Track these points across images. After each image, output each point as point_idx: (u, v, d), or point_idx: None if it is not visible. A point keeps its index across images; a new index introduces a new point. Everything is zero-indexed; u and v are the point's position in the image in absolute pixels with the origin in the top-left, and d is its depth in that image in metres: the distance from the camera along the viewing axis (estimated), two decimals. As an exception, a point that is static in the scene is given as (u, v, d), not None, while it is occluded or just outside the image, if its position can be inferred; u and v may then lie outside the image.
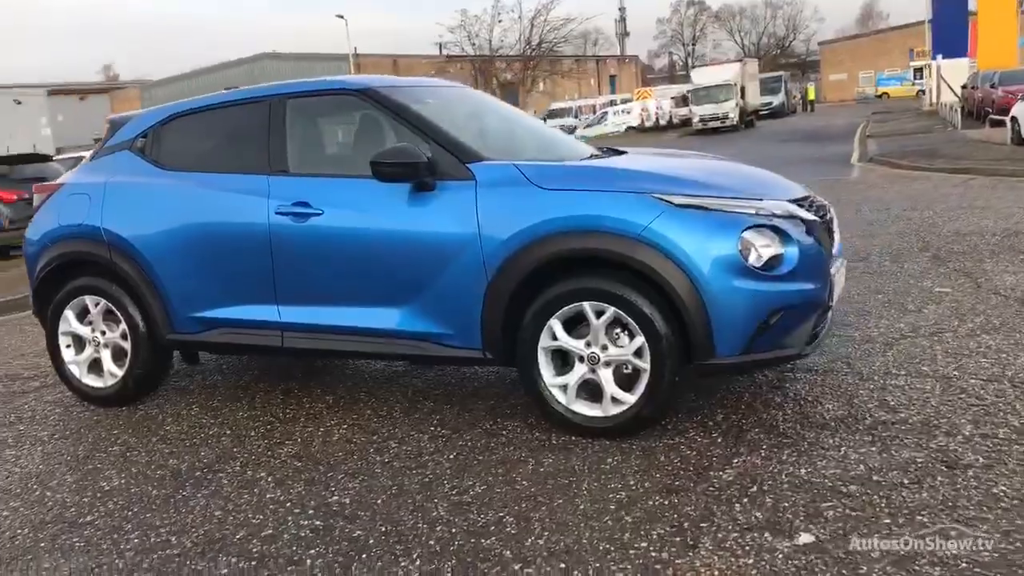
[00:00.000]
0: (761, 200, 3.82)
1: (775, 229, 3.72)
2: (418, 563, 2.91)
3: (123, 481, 3.83)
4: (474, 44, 50.88)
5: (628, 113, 47.65)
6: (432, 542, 3.04)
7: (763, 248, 3.67)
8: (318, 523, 3.26)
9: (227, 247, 4.46)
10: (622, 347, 3.78)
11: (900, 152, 17.61)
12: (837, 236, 4.37)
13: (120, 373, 4.85)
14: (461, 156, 4.05)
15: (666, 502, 3.21)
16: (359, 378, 5.12)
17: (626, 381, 3.81)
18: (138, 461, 4.06)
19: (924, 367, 4.51)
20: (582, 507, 3.22)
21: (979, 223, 8.76)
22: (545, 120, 58.75)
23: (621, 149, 5.08)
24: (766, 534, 2.93)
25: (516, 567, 2.83)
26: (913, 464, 3.38)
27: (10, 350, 6.88)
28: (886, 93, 66.11)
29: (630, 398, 3.78)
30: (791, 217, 3.82)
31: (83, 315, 4.94)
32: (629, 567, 2.79)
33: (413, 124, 4.19)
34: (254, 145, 4.51)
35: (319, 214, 4.24)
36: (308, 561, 2.98)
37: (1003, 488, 3.12)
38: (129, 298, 4.73)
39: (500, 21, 50.69)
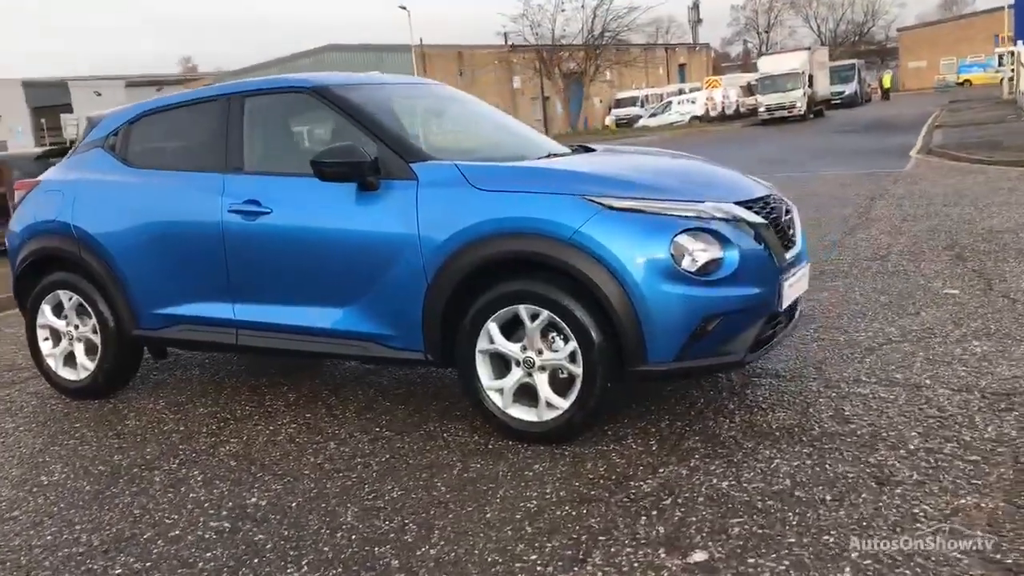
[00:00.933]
0: (702, 202, 3.71)
1: (713, 232, 3.61)
2: (304, 570, 2.91)
3: (63, 476, 3.92)
4: (536, 34, 50.68)
5: (693, 103, 46.96)
6: (327, 549, 3.04)
7: (699, 252, 3.57)
8: (226, 525, 3.28)
9: (185, 245, 4.53)
10: (557, 351, 3.72)
11: (961, 143, 17.01)
12: (799, 239, 4.23)
13: (92, 367, 4.97)
14: (405, 156, 4.03)
15: (574, 513, 3.15)
16: (329, 375, 5.15)
17: (563, 386, 3.75)
18: (85, 456, 4.15)
19: (897, 375, 4.35)
20: (489, 516, 3.18)
21: (1018, 220, 8.40)
22: (610, 110, 58.48)
23: (592, 147, 5.00)
24: (661, 551, 2.85)
25: (382, 568, 2.82)
26: (843, 479, 3.25)
27: (19, 340, 7.10)
28: (968, 80, 63.87)
29: (564, 403, 3.72)
30: (733, 220, 3.71)
31: (59, 309, 5.07)
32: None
33: (361, 123, 4.18)
34: (213, 143, 4.56)
35: (268, 212, 4.27)
36: (200, 564, 3.00)
37: (926, 507, 2.99)
38: (99, 294, 4.84)
39: (563, 10, 50.40)
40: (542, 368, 3.76)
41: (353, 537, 3.11)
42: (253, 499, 3.50)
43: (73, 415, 4.83)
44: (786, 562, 2.71)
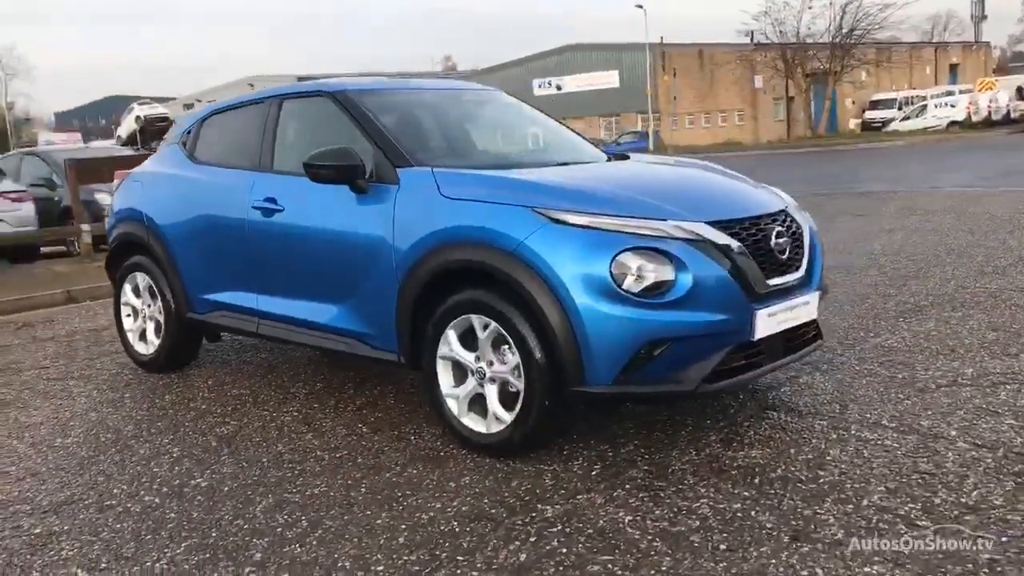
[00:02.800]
0: (663, 220, 3.52)
1: (663, 252, 3.42)
2: (179, 551, 3.08)
3: (75, 439, 4.35)
4: (780, 32, 48.73)
5: (953, 107, 43.35)
6: (215, 534, 3.19)
7: (646, 272, 3.39)
8: (156, 500, 3.54)
9: (221, 237, 4.89)
10: (505, 364, 3.68)
11: None
12: (804, 263, 3.91)
13: (157, 344, 5.47)
14: (394, 160, 4.12)
15: (458, 529, 3.12)
16: (362, 369, 5.31)
17: (511, 400, 3.71)
18: (106, 423, 4.58)
19: (924, 422, 3.92)
20: (379, 522, 3.22)
21: None
22: (863, 112, 55.13)
23: (626, 155, 4.86)
24: (502, 578, 2.77)
25: (245, 570, 2.93)
26: (756, 530, 3.00)
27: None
28: None
29: (508, 418, 3.68)
30: (697, 240, 3.49)
31: (137, 289, 5.61)
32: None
33: (364, 128, 4.32)
34: (254, 143, 4.88)
35: (281, 211, 4.52)
36: (104, 533, 3.26)
37: (817, 571, 2.70)
38: (163, 278, 5.31)
39: (810, 7, 48.04)
40: (492, 380, 3.73)
41: (245, 527, 3.25)
42: (199, 479, 3.74)
43: (133, 386, 5.33)
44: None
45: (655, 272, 3.40)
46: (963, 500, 3.13)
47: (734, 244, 3.56)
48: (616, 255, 3.39)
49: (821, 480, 3.37)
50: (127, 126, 34.91)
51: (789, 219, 3.94)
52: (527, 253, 3.51)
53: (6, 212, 11.88)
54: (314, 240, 4.37)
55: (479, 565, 2.86)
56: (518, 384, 3.61)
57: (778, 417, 4.10)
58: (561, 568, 2.81)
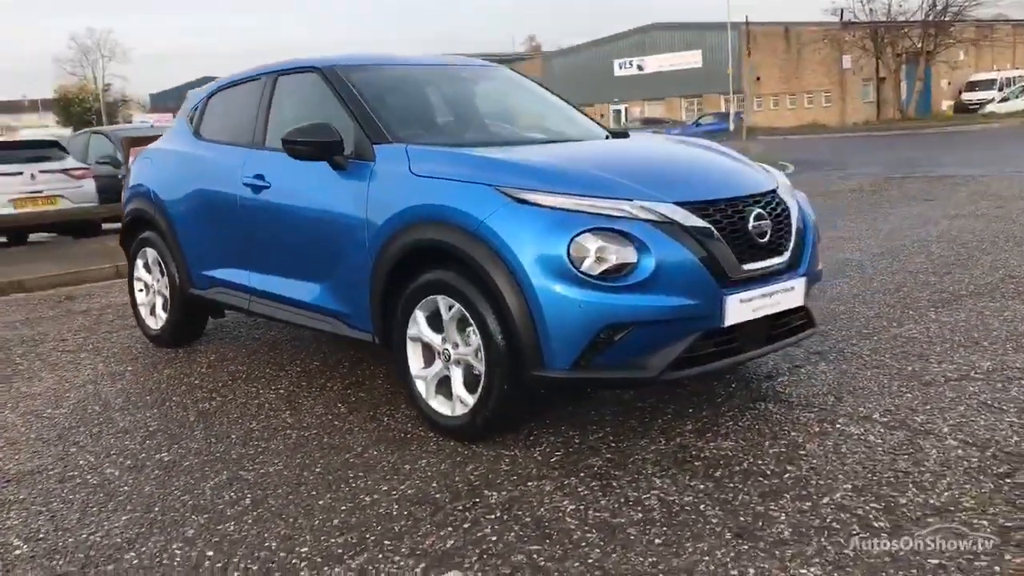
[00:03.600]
0: (629, 200, 3.39)
1: (625, 234, 3.30)
2: (116, 524, 3.11)
3: (67, 410, 4.44)
4: (870, 10, 47.04)
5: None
6: (157, 509, 3.20)
7: (606, 254, 3.27)
8: (116, 473, 3.58)
9: (217, 213, 4.93)
10: (469, 346, 3.61)
11: None
12: (790, 247, 3.73)
13: (164, 318, 5.56)
14: (372, 136, 4.07)
15: (395, 513, 3.07)
16: (361, 350, 5.29)
17: (476, 383, 3.63)
18: (100, 395, 4.67)
19: (919, 416, 3.72)
20: (320, 503, 3.19)
21: None
22: (960, 93, 52.97)
23: (625, 132, 4.73)
24: (421, 565, 2.71)
25: (172, 546, 2.93)
26: (699, 525, 2.88)
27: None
28: None
29: (471, 401, 3.61)
30: (665, 222, 3.36)
31: (148, 264, 5.70)
32: (251, 564, 2.76)
33: (345, 103, 4.27)
34: (249, 119, 4.88)
35: (268, 187, 4.52)
36: (55, 504, 3.31)
37: (751, 571, 2.58)
38: (168, 253, 5.38)
39: (902, -17, 46.25)
40: (457, 362, 3.67)
41: (189, 503, 3.26)
42: (164, 454, 3.78)
43: (139, 359, 5.43)
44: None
45: (616, 254, 3.28)
46: (931, 501, 2.95)
47: (704, 226, 3.41)
48: (575, 236, 3.28)
49: (786, 475, 3.22)
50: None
51: (776, 201, 3.76)
52: (487, 233, 3.42)
53: (68, 189, 12.28)
54: (297, 217, 4.36)
55: (403, 550, 2.81)
56: (480, 367, 3.54)
57: (764, 408, 3.94)
58: (484, 556, 2.74)
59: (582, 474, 3.32)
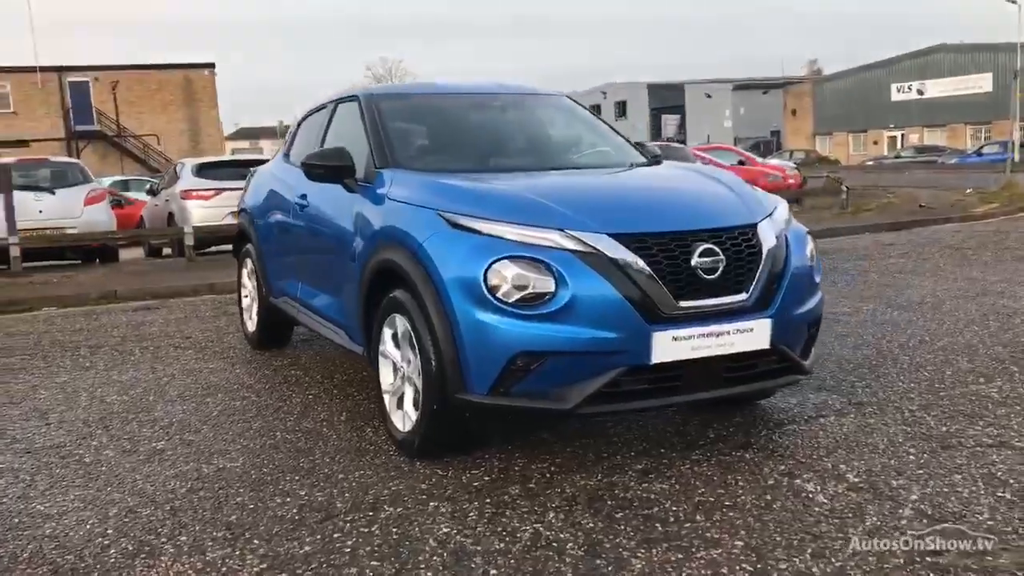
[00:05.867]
0: (558, 229, 3.38)
1: (544, 263, 3.30)
2: (71, 496, 3.52)
3: (121, 397, 5.03)
4: None
5: None
6: (114, 487, 3.60)
7: (522, 282, 3.29)
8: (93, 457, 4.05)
9: (281, 228, 5.41)
10: (412, 365, 3.74)
11: None
12: (752, 286, 3.52)
13: (255, 322, 6.13)
14: (377, 161, 4.30)
15: (287, 516, 3.24)
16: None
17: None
18: (160, 386, 5.24)
19: (897, 481, 3.41)
20: (238, 499, 3.43)
21: None
22: None
23: (658, 159, 4.68)
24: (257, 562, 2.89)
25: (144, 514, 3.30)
26: (548, 562, 2.84)
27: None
28: None
29: (415, 418, 3.73)
30: (589, 253, 3.32)
31: (249, 273, 6.28)
32: (170, 552, 3.03)
33: (367, 129, 4.53)
34: (313, 143, 5.28)
35: (307, 206, 4.90)
36: (17, 472, 3.81)
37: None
38: (257, 263, 5.92)
39: None
40: (408, 379, 3.80)
41: (150, 477, 3.70)
42: (156, 442, 4.20)
43: (226, 356, 6.01)
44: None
45: (532, 282, 3.28)
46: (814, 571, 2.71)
47: (631, 258, 3.32)
48: (492, 263, 3.32)
49: (687, 525, 3.07)
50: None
51: (741, 238, 3.56)
52: (423, 256, 3.55)
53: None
54: (320, 234, 4.73)
55: (261, 551, 2.98)
56: (420, 385, 3.65)
57: (739, 455, 3.73)
58: (322, 565, 2.86)
59: (488, 500, 3.33)
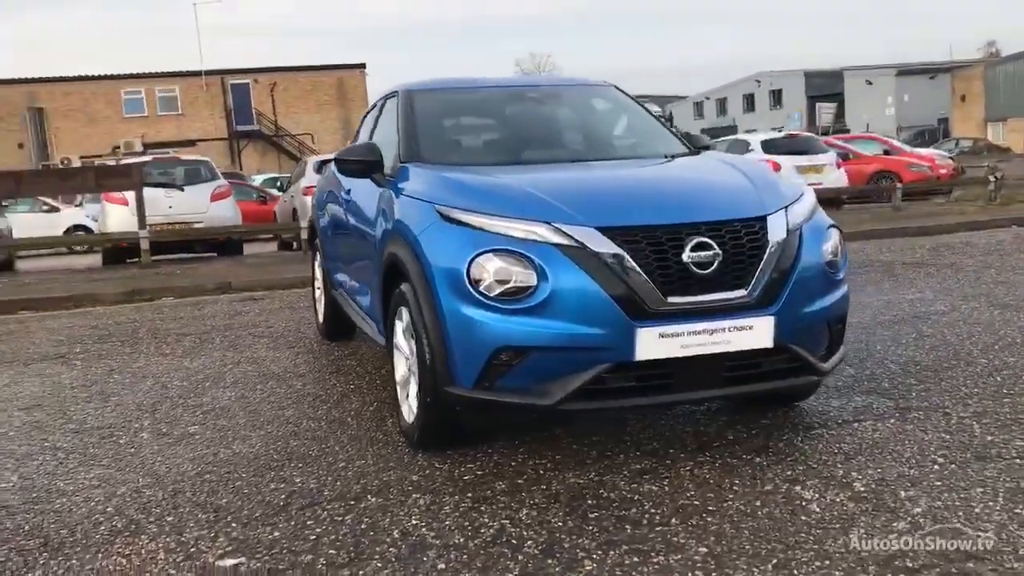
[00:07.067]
0: (544, 223, 3.34)
1: (525, 257, 3.27)
2: (60, 465, 3.76)
3: (185, 383, 5.30)
4: None
5: None
6: (109, 449, 3.82)
7: (505, 275, 3.28)
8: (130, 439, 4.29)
9: (335, 222, 5.56)
10: (413, 356, 3.79)
11: None
12: (756, 282, 3.37)
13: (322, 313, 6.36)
14: (402, 156, 4.36)
15: (273, 501, 3.34)
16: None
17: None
18: (214, 369, 5.48)
19: (906, 493, 3.20)
20: (239, 483, 3.57)
21: None
22: None
23: (697, 150, 4.56)
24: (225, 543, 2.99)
25: (142, 485, 3.49)
26: (500, 559, 2.82)
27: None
28: None
29: (415, 410, 3.78)
30: (573, 247, 3.27)
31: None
32: (151, 531, 3.19)
33: (398, 124, 4.61)
34: (365, 138, 5.40)
35: (350, 201, 5.02)
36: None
37: None
38: (322, 258, 6.14)
39: None
40: (412, 371, 3.84)
41: (168, 460, 3.89)
42: (190, 426, 4.41)
43: (294, 346, 6.23)
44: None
45: (515, 276, 3.26)
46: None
47: (616, 252, 3.24)
48: (476, 256, 3.31)
49: (657, 529, 2.97)
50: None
51: (744, 232, 3.41)
52: (417, 248, 3.59)
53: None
54: (355, 229, 4.86)
55: (234, 535, 3.07)
56: (418, 378, 3.69)
57: (749, 458, 3.59)
58: (282, 552, 2.92)
59: (469, 494, 3.33)
